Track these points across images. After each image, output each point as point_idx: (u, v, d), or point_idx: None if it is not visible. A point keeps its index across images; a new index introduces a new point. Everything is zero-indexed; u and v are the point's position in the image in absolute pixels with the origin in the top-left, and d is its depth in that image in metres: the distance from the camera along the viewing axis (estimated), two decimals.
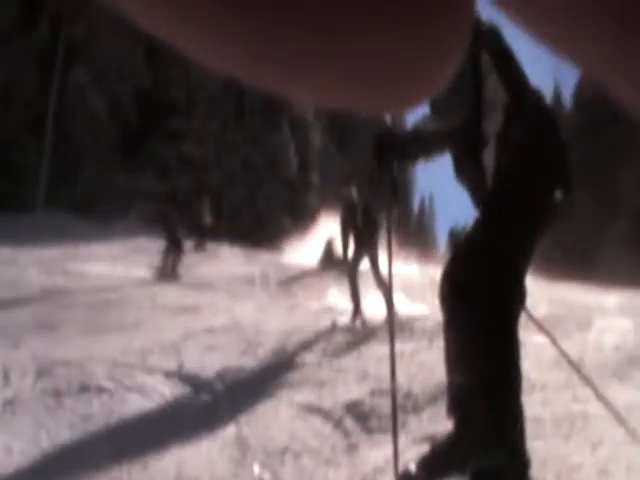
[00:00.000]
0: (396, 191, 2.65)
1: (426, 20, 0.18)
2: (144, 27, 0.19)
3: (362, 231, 7.76)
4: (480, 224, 2.53)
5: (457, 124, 2.42)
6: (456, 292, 2.40)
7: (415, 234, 45.85)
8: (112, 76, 22.97)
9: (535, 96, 2.46)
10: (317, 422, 3.95)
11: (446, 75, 0.20)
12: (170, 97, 25.02)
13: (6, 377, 4.45)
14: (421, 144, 2.56)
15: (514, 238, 2.43)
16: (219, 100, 25.58)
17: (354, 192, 8.08)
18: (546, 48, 0.20)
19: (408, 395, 4.38)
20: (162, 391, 4.38)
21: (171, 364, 5.02)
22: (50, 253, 11.61)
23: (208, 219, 16.66)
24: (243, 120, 26.33)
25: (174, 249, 11.21)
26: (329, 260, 13.30)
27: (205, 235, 16.67)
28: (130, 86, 23.78)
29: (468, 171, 2.52)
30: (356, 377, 4.85)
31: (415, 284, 9.39)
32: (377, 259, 7.65)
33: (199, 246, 16.19)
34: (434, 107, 2.42)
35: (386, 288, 6.24)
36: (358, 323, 7.25)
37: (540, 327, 3.12)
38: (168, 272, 10.89)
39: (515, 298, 2.40)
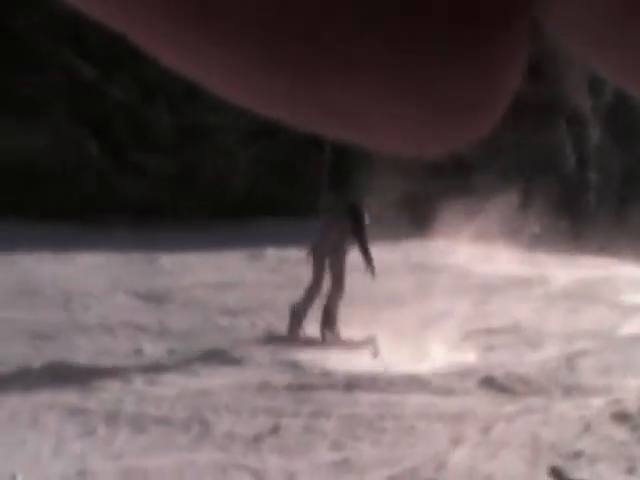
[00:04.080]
0: None
1: (488, 38, 0.16)
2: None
3: None
4: None
5: None
6: None
7: None
8: None
9: None
10: (611, 427, 3.72)
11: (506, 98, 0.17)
12: None
13: None
14: None
15: None
16: None
17: None
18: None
19: None
20: (448, 388, 4.43)
21: (456, 364, 5.04)
22: None
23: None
24: (518, 118, 25.65)
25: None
26: None
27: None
28: None
29: None
30: None
31: None
32: None
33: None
34: None
35: None
36: None
37: None
38: None
39: None
